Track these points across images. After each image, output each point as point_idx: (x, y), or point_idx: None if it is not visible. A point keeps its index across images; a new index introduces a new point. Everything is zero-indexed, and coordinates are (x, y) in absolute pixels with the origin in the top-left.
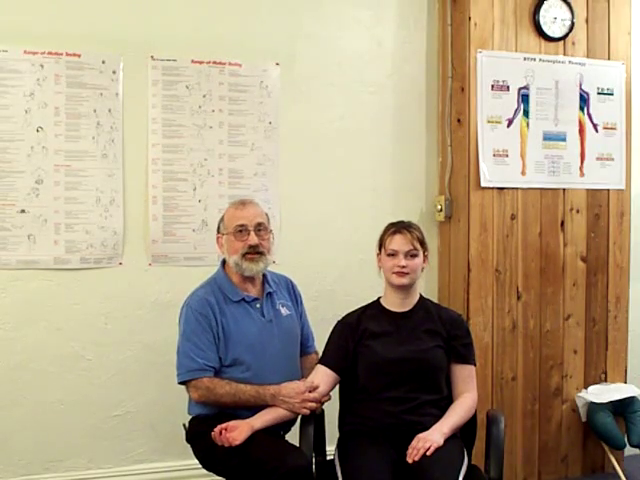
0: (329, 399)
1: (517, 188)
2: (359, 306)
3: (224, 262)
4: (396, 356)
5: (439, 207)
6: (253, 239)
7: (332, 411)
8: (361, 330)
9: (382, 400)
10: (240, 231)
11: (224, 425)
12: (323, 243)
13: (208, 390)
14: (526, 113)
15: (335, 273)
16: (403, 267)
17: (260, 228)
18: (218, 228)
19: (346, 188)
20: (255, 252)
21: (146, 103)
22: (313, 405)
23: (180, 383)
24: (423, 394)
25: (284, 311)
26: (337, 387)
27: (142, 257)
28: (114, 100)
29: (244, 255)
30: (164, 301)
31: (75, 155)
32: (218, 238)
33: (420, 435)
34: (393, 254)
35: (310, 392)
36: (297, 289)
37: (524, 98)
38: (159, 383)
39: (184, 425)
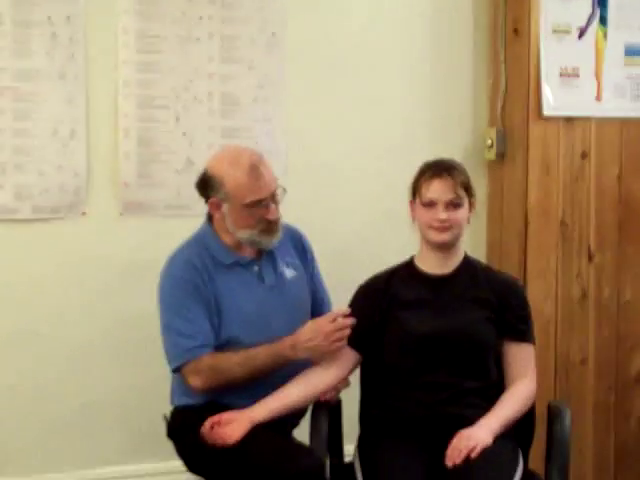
0: (348, 385)
1: (590, 117)
2: (386, 268)
3: (210, 216)
4: (433, 331)
5: (489, 142)
6: (274, 213)
7: (351, 401)
8: (390, 297)
9: (415, 387)
10: (255, 205)
11: (216, 418)
12: (340, 189)
13: (213, 369)
14: (603, 20)
15: (355, 227)
16: (443, 221)
17: (275, 194)
18: (211, 187)
19: (369, 119)
20: (275, 224)
21: (115, 8)
22: (345, 333)
23: (174, 370)
24: (467, 380)
25: (289, 273)
26: (358, 370)
27: (111, 205)
28: (74, 4)
29: (262, 230)
30: (139, 262)
31: (25, 75)
32: (214, 203)
33: (463, 432)
34: (430, 204)
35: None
36: (306, 242)
37: (601, 1)
38: (134, 364)
39: (165, 417)
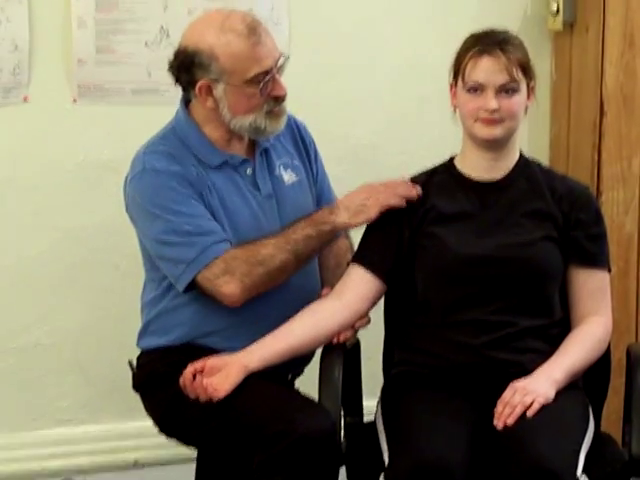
0: (368, 322)
1: None
2: (419, 171)
3: (187, 102)
4: (480, 253)
5: (554, 7)
6: (283, 87)
7: (372, 343)
8: (425, 209)
9: (455, 326)
10: (261, 79)
11: (200, 364)
12: (356, 70)
13: (249, 262)
14: None
15: (376, 118)
16: (493, 111)
17: (279, 63)
18: (198, 66)
19: None
20: (282, 102)
21: None
22: (413, 191)
23: (188, 288)
24: (523, 317)
25: (288, 177)
26: (381, 304)
27: (61, 89)
28: None
29: (269, 112)
30: (99, 162)
31: None
32: (203, 87)
33: (517, 384)
34: (477, 89)
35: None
36: (307, 134)
37: None
38: (90, 294)
39: (130, 364)
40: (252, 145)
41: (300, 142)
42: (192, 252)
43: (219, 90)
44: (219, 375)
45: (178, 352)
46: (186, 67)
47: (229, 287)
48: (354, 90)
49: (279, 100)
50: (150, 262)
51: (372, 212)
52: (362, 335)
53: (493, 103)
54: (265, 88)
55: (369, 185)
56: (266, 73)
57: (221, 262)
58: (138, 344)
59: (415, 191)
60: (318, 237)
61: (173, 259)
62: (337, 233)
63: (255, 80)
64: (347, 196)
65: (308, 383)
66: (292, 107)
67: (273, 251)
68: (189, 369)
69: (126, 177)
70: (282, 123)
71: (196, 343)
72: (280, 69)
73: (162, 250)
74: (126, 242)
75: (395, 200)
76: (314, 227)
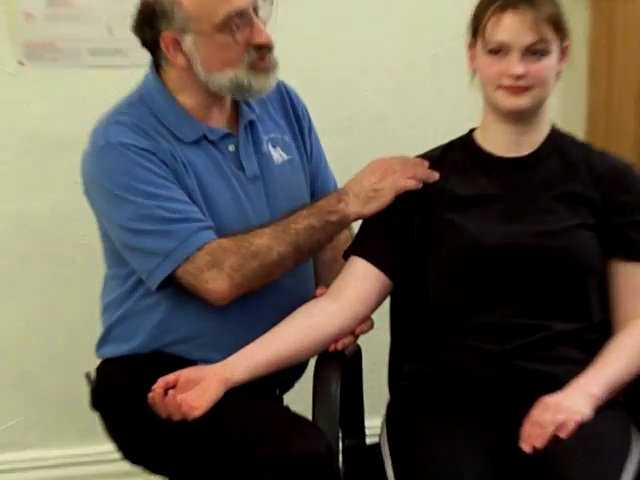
0: (371, 327)
1: None
2: (433, 147)
3: (157, 66)
4: (503, 242)
5: None
6: (263, 33)
7: (376, 352)
8: (439, 191)
9: (475, 330)
10: (234, 23)
11: (172, 377)
12: (360, 24)
13: (240, 254)
14: None
15: (383, 84)
16: (519, 76)
17: (257, 5)
18: (159, 16)
19: None
20: (267, 53)
21: None
22: (434, 174)
23: (161, 284)
24: (555, 320)
25: (278, 155)
26: (386, 304)
27: (4, 49)
28: None
29: (252, 66)
30: (50, 136)
31: None
32: (168, 40)
33: (548, 400)
34: (500, 50)
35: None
36: (301, 104)
37: None
38: (41, 293)
39: (88, 376)
40: (235, 117)
41: (292, 113)
42: (170, 241)
43: (188, 42)
44: (195, 390)
45: (146, 362)
46: (148, 20)
47: (216, 283)
48: (357, 50)
49: (263, 50)
50: (114, 255)
51: (387, 197)
52: (363, 342)
53: (519, 68)
54: (241, 34)
55: (381, 162)
56: (240, 15)
57: (206, 253)
58: (97, 352)
59: (435, 174)
60: (323, 229)
61: (146, 250)
62: (346, 224)
63: (227, 25)
64: (356, 178)
65: (299, 399)
66: (282, 72)
67: (269, 242)
68: (159, 383)
69: (84, 154)
70: (271, 80)
71: (168, 351)
72: (258, 10)
73: (132, 240)
74: (83, 231)
75: (412, 184)
76: (319, 217)
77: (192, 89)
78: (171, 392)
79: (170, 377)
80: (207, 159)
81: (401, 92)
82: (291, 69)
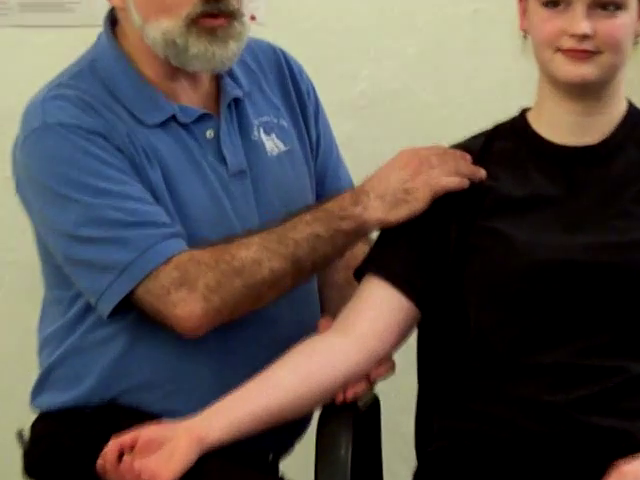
0: (392, 370)
1: None
2: (472, 133)
3: (112, 21)
4: (565, 258)
5: None
6: None
7: (399, 404)
8: (482, 192)
9: (528, 374)
10: None
11: (129, 437)
12: None
13: (218, 269)
14: None
15: (406, 51)
16: (584, 36)
17: None
18: None
19: None
20: (220, 13)
21: None
22: (480, 171)
23: (116, 310)
24: (633, 360)
25: (272, 145)
26: (412, 342)
27: None
28: None
29: (194, 22)
30: None
31: None
32: None
33: (625, 468)
34: (559, 2)
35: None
36: (305, 79)
37: None
38: None
39: (20, 435)
40: (216, 94)
41: (293, 91)
42: (127, 252)
43: None
44: (159, 454)
45: (95, 416)
46: None
47: (187, 307)
48: (371, 9)
49: (219, 3)
50: (55, 273)
51: (421, 201)
52: (382, 390)
53: (584, 25)
54: None
55: (413, 154)
56: None
57: (174, 268)
58: (33, 403)
59: (481, 170)
60: (332, 240)
61: (95, 264)
62: (364, 234)
63: None
64: (379, 174)
65: (299, 466)
66: (278, 36)
67: (258, 255)
68: (112, 445)
69: (16, 140)
70: (223, 51)
71: (124, 402)
72: None
73: (77, 251)
74: (13, 243)
75: (455, 182)
76: (327, 223)
77: (147, 51)
78: (127, 457)
79: (126, 437)
80: (177, 147)
81: (429, 60)
82: (287, 36)
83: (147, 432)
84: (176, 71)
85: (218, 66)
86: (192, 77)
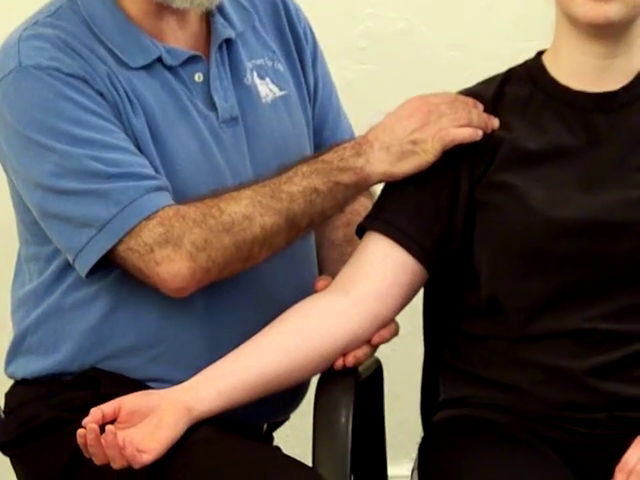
0: (395, 333)
1: None
2: (483, 78)
3: None
4: (585, 216)
5: None
6: None
7: (403, 370)
8: (494, 142)
9: (543, 340)
10: None
11: (111, 406)
12: None
13: (207, 226)
14: None
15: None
16: None
17: None
18: None
19: None
20: None
21: None
22: (493, 121)
23: (95, 268)
24: None
25: (267, 89)
26: (418, 303)
27: None
28: None
29: None
30: None
31: None
32: None
33: None
34: None
35: None
36: (302, 19)
37: None
38: None
39: None
40: (206, 35)
41: (289, 33)
42: (108, 206)
43: None
44: (145, 426)
45: (75, 383)
46: None
47: (172, 265)
48: None
49: None
50: (30, 227)
51: (430, 153)
52: (385, 355)
53: None
54: None
55: (421, 101)
56: None
57: (158, 224)
58: (6, 370)
59: (494, 120)
60: (330, 193)
61: (73, 219)
62: (366, 188)
63: None
64: (385, 123)
65: (296, 437)
66: None
67: (249, 209)
68: (93, 415)
69: None
70: None
71: (106, 368)
72: None
73: (54, 204)
74: None
75: (467, 133)
76: (325, 176)
77: None
78: (110, 428)
79: (108, 407)
80: (163, 92)
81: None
82: None
83: (131, 401)
84: (163, 9)
85: (204, 3)
86: (180, 15)
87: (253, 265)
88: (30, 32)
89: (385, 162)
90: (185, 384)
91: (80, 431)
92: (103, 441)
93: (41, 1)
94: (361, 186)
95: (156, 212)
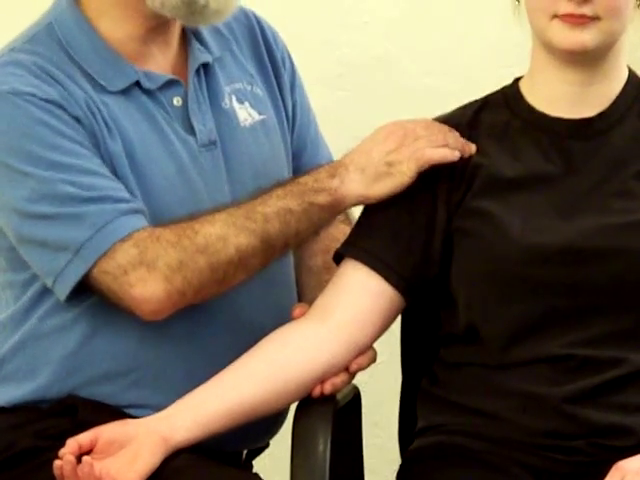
0: (372, 360)
1: None
2: (459, 104)
3: None
4: (561, 242)
5: None
6: None
7: (381, 398)
8: (471, 169)
9: (520, 367)
10: None
11: (87, 437)
12: None
13: (181, 246)
14: None
15: (389, 13)
16: (583, 1)
17: None
18: None
19: None
20: None
21: None
22: (470, 146)
23: (73, 294)
24: (633, 351)
25: (245, 114)
26: (395, 330)
27: None
28: None
29: None
30: None
31: None
32: None
33: (625, 465)
34: None
35: None
36: (280, 45)
37: None
38: None
39: None
40: (184, 59)
41: (267, 57)
42: (83, 230)
43: None
44: (122, 456)
45: (52, 412)
46: None
47: (146, 287)
48: None
49: None
50: (7, 254)
51: (406, 174)
52: (363, 383)
53: None
54: None
55: (397, 126)
56: None
57: (132, 246)
58: None
59: (471, 145)
60: (305, 214)
61: (50, 243)
62: (341, 210)
63: None
64: (361, 147)
65: (274, 464)
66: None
67: (223, 230)
68: (69, 445)
69: None
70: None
71: (84, 395)
72: None
73: (30, 229)
74: None
75: (443, 154)
76: (300, 197)
77: (121, 14)
78: (86, 459)
79: (85, 437)
80: (140, 116)
81: (412, 25)
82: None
83: (107, 431)
84: (146, 32)
85: (222, 18)
86: (162, 40)
87: (229, 288)
88: (6, 59)
89: (360, 183)
90: (162, 413)
91: (57, 462)
92: (80, 472)
93: (40, 4)
94: (336, 208)
95: (131, 234)
